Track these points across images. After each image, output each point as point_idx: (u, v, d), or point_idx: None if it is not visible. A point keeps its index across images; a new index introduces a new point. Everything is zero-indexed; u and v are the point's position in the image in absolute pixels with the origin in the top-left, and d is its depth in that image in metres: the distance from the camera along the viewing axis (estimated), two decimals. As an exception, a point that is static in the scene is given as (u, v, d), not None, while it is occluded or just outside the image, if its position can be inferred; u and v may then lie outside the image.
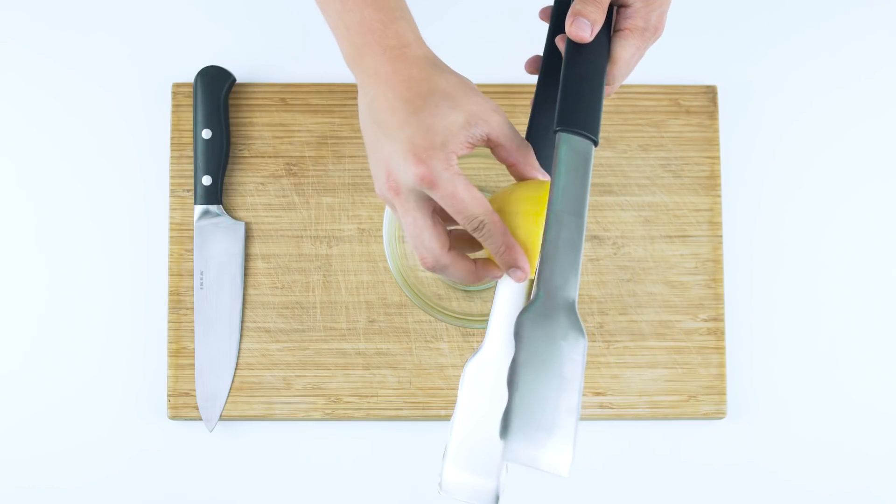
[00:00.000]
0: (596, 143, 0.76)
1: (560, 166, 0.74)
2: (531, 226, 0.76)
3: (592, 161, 0.75)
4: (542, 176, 0.78)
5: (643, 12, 0.79)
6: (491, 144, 0.75)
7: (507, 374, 0.69)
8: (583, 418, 1.03)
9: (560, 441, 0.68)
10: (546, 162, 0.81)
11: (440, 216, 0.76)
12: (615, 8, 0.80)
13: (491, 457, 0.74)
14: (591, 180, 0.76)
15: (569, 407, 0.69)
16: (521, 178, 0.78)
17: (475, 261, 0.77)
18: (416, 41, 0.76)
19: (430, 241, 0.75)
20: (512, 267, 0.75)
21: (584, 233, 0.73)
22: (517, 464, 0.68)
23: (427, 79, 0.74)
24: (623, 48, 0.79)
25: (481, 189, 1.03)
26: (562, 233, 0.73)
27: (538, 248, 0.73)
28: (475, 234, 0.74)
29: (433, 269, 0.76)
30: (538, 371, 0.70)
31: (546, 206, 0.74)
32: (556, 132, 0.76)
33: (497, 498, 0.74)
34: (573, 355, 0.70)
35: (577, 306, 0.72)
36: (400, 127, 0.73)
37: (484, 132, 0.74)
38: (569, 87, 0.77)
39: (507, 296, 0.78)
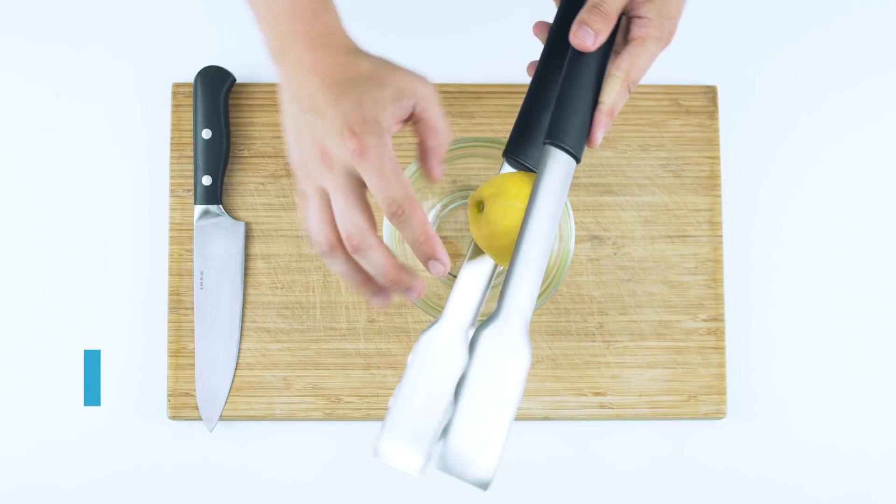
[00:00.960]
0: (578, 161, 0.78)
1: (543, 181, 0.77)
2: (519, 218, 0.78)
3: (571, 177, 0.78)
4: (437, 174, 0.79)
5: (657, 22, 0.80)
6: (416, 118, 0.76)
7: (456, 385, 0.74)
8: (583, 418, 1.03)
9: (487, 459, 0.73)
10: (530, 160, 0.82)
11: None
12: (629, 18, 0.81)
13: (427, 430, 0.77)
14: (566, 196, 0.79)
15: (502, 426, 0.74)
16: (423, 169, 0.79)
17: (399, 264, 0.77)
18: (340, 31, 0.77)
19: (360, 218, 0.74)
20: (431, 259, 0.76)
21: (549, 252, 0.77)
22: (447, 474, 0.72)
23: (352, 63, 0.75)
24: (639, 55, 0.81)
25: (476, 188, 1.03)
26: (531, 251, 0.76)
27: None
28: (393, 220, 0.74)
29: (357, 250, 0.74)
30: (483, 390, 0.74)
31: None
32: (545, 143, 0.78)
33: (423, 470, 0.77)
34: (516, 376, 0.74)
35: (528, 326, 0.75)
36: (332, 107, 0.73)
37: (411, 102, 0.75)
38: (564, 101, 0.79)
39: (471, 277, 0.82)
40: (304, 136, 0.75)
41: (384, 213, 0.73)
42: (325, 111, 0.74)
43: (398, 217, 0.74)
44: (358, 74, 0.75)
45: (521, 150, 0.82)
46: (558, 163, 0.77)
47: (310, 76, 0.75)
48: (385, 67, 0.76)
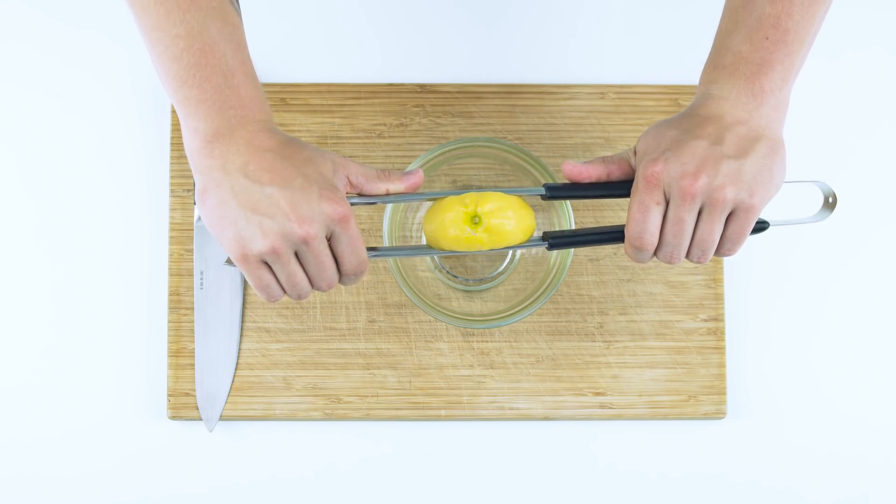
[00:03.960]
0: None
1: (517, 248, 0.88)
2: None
3: None
4: (417, 180, 0.86)
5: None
6: (352, 185, 0.83)
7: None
8: (583, 418, 1.03)
9: None
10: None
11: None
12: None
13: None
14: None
15: None
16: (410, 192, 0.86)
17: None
18: (270, 114, 0.82)
19: (363, 250, 0.82)
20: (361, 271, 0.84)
21: None
22: None
23: (292, 142, 0.81)
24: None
25: (478, 187, 1.03)
26: None
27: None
28: (352, 275, 0.82)
29: (361, 274, 0.83)
30: None
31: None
32: (544, 235, 0.87)
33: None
34: None
35: None
36: (295, 177, 0.78)
37: (345, 174, 0.82)
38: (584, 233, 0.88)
39: None
40: (261, 207, 0.78)
41: (348, 269, 0.81)
42: (292, 181, 0.78)
43: (357, 272, 0.82)
44: (301, 149, 0.81)
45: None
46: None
47: (263, 153, 0.79)
48: (308, 147, 0.82)
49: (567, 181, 0.86)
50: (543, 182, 0.96)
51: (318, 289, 0.82)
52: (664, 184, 0.80)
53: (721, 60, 0.83)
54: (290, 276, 0.80)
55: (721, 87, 0.82)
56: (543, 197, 0.86)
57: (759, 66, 0.81)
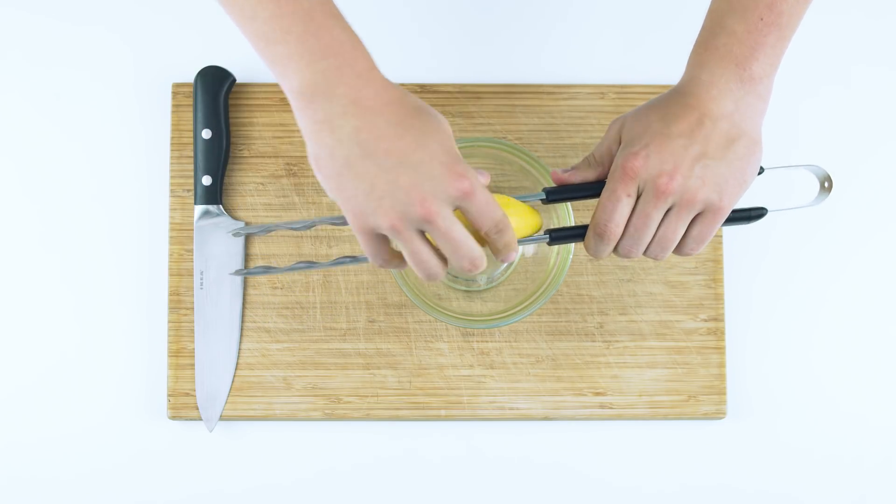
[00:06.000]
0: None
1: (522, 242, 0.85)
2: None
3: None
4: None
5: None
6: None
7: None
8: (583, 418, 1.03)
9: None
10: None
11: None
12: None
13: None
14: None
15: None
16: None
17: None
18: (373, 62, 0.75)
19: (474, 244, 0.76)
20: (510, 250, 0.80)
21: None
22: None
23: (403, 97, 0.74)
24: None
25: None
26: None
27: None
28: (493, 236, 0.77)
29: (478, 268, 0.77)
30: None
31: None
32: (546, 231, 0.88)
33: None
34: None
35: None
36: (414, 150, 0.73)
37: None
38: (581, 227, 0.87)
39: None
40: (379, 184, 0.72)
41: (487, 231, 0.77)
42: (410, 155, 0.73)
43: (498, 230, 0.77)
44: (416, 108, 0.74)
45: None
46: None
47: (374, 119, 0.72)
48: (423, 107, 0.75)
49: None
50: (543, 183, 0.96)
51: (461, 268, 0.77)
52: (640, 179, 0.80)
53: (713, 41, 0.82)
54: (415, 254, 0.76)
55: (711, 71, 0.82)
56: (544, 201, 0.87)
57: (752, 49, 0.81)
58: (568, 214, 0.96)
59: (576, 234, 0.87)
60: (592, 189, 0.86)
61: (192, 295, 1.03)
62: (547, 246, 0.95)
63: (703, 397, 1.03)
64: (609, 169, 0.84)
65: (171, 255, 1.04)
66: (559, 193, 0.87)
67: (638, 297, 1.04)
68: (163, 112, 1.07)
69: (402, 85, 1.05)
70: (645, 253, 0.84)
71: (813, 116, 1.08)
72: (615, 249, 0.84)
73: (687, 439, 1.04)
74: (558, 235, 0.87)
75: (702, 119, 0.81)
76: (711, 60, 0.82)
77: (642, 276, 1.04)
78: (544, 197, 0.87)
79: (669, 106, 0.82)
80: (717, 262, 1.05)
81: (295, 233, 1.04)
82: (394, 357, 1.03)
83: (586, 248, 0.85)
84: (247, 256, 1.04)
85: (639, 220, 0.81)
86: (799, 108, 1.08)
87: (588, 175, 0.85)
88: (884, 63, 1.09)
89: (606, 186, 0.82)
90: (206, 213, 1.04)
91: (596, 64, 1.08)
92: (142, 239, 1.05)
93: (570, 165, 0.86)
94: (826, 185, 0.90)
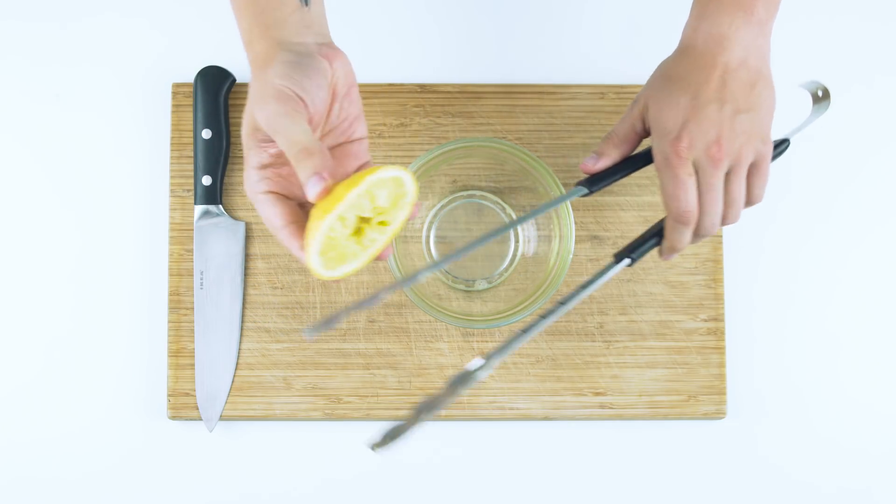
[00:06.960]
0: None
1: (597, 281, 0.87)
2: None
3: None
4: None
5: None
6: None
7: None
8: (583, 418, 1.03)
9: None
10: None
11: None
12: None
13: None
14: None
15: None
16: None
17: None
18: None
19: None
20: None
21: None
22: None
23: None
24: None
25: (476, 188, 1.03)
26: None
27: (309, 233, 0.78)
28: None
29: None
30: None
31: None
32: (615, 256, 0.88)
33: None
34: None
35: None
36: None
37: None
38: (648, 235, 0.89)
39: None
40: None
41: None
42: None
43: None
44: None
45: None
46: (615, 268, 0.88)
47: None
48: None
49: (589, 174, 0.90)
50: (543, 183, 0.96)
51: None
52: (692, 157, 0.83)
53: None
54: None
55: (719, 21, 0.85)
56: (586, 195, 0.89)
57: None
58: (568, 214, 0.96)
59: (645, 241, 0.88)
60: (623, 169, 0.89)
61: (192, 295, 1.03)
62: (547, 246, 0.95)
63: (703, 397, 1.03)
64: (634, 146, 0.88)
65: (171, 255, 1.04)
66: (597, 183, 0.89)
67: (638, 296, 1.04)
68: (163, 112, 1.07)
69: (402, 85, 1.06)
70: (722, 223, 0.87)
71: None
72: (697, 230, 0.86)
73: (687, 439, 1.04)
74: (631, 249, 0.88)
75: (723, 77, 0.84)
76: (717, 11, 0.85)
77: (642, 276, 1.04)
78: (586, 191, 0.89)
79: (689, 73, 0.85)
80: (717, 262, 1.05)
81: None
82: (394, 357, 1.03)
83: (668, 247, 0.87)
84: (247, 256, 1.04)
85: (709, 195, 0.84)
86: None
87: (616, 156, 0.89)
88: (884, 69, 1.09)
89: (666, 179, 0.84)
90: (206, 213, 1.04)
91: (596, 64, 1.08)
92: (142, 239, 1.05)
93: (592, 152, 0.89)
94: (820, 94, 0.92)
